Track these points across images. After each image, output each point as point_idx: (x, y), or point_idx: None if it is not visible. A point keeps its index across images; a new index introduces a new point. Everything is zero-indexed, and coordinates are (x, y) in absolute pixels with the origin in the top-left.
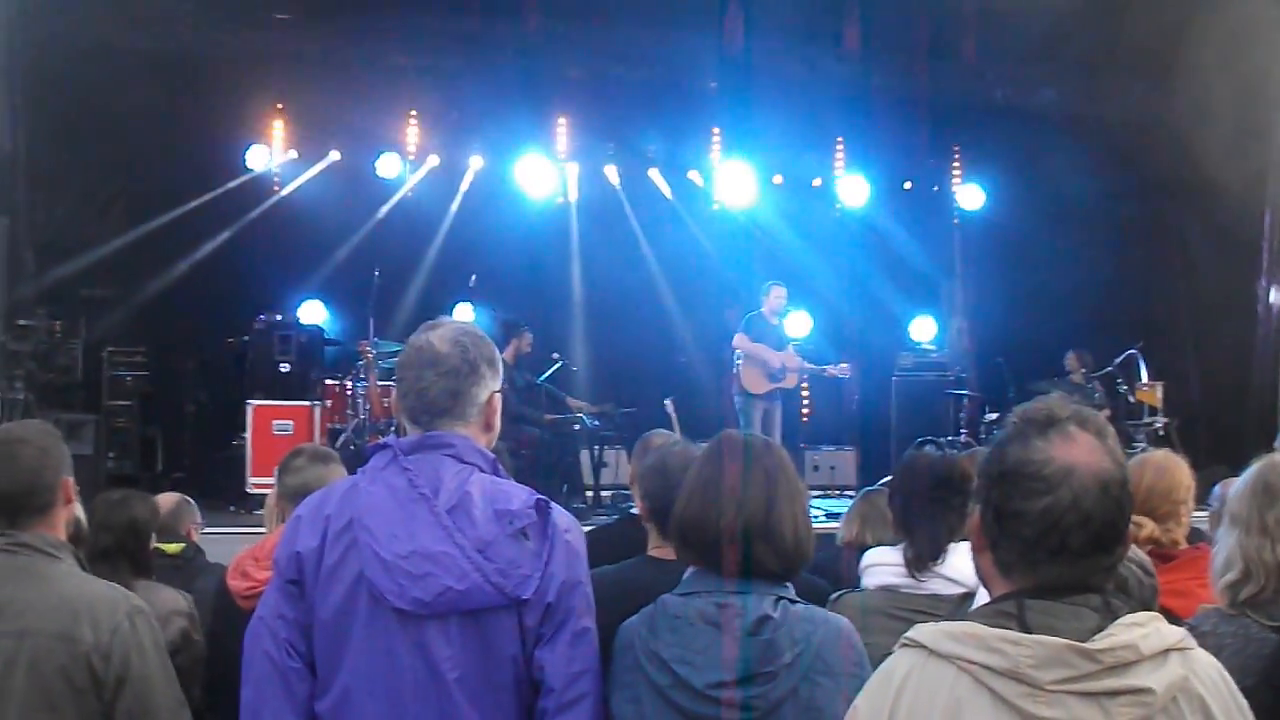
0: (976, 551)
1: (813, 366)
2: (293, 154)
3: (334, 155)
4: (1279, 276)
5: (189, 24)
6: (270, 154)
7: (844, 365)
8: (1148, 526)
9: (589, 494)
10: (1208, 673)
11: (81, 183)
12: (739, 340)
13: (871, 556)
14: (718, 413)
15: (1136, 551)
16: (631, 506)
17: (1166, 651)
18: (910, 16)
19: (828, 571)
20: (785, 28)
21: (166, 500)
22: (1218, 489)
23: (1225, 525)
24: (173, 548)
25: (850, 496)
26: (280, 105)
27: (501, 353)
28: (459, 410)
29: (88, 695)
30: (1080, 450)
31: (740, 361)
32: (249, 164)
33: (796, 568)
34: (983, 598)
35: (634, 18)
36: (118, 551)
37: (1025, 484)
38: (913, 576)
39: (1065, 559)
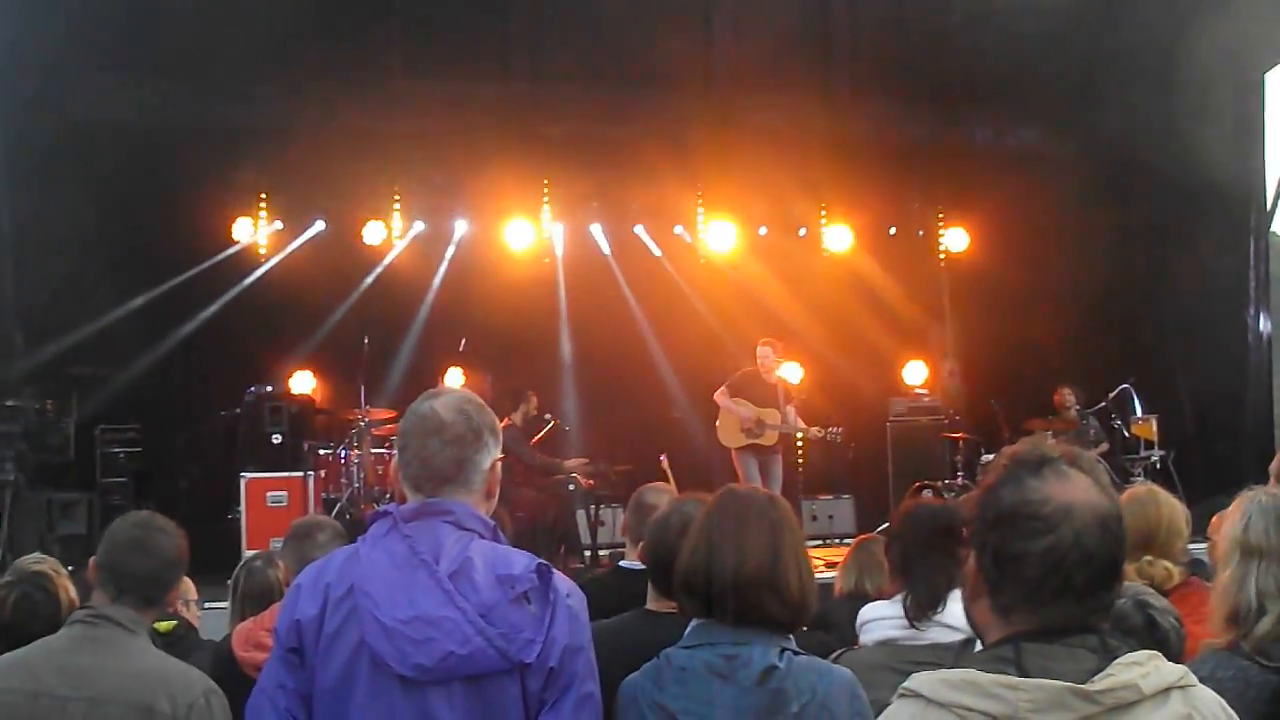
0: (971, 599)
1: (803, 427)
2: (278, 225)
3: (319, 225)
4: (1266, 305)
5: (173, 98)
6: (256, 226)
7: (831, 430)
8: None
9: (587, 553)
10: (1211, 710)
11: (68, 260)
12: (717, 394)
13: (868, 612)
14: (713, 467)
15: (1168, 604)
16: (623, 561)
17: (1168, 690)
18: (889, 63)
19: (825, 622)
20: (764, 79)
21: None
22: (1215, 519)
23: (1238, 559)
24: (164, 625)
25: (849, 544)
26: (264, 177)
27: (510, 416)
28: (463, 478)
29: None
30: (1076, 489)
31: (719, 416)
32: (235, 237)
33: (801, 618)
34: None
35: (615, 76)
36: None
37: (1025, 525)
38: (912, 627)
39: (1070, 598)
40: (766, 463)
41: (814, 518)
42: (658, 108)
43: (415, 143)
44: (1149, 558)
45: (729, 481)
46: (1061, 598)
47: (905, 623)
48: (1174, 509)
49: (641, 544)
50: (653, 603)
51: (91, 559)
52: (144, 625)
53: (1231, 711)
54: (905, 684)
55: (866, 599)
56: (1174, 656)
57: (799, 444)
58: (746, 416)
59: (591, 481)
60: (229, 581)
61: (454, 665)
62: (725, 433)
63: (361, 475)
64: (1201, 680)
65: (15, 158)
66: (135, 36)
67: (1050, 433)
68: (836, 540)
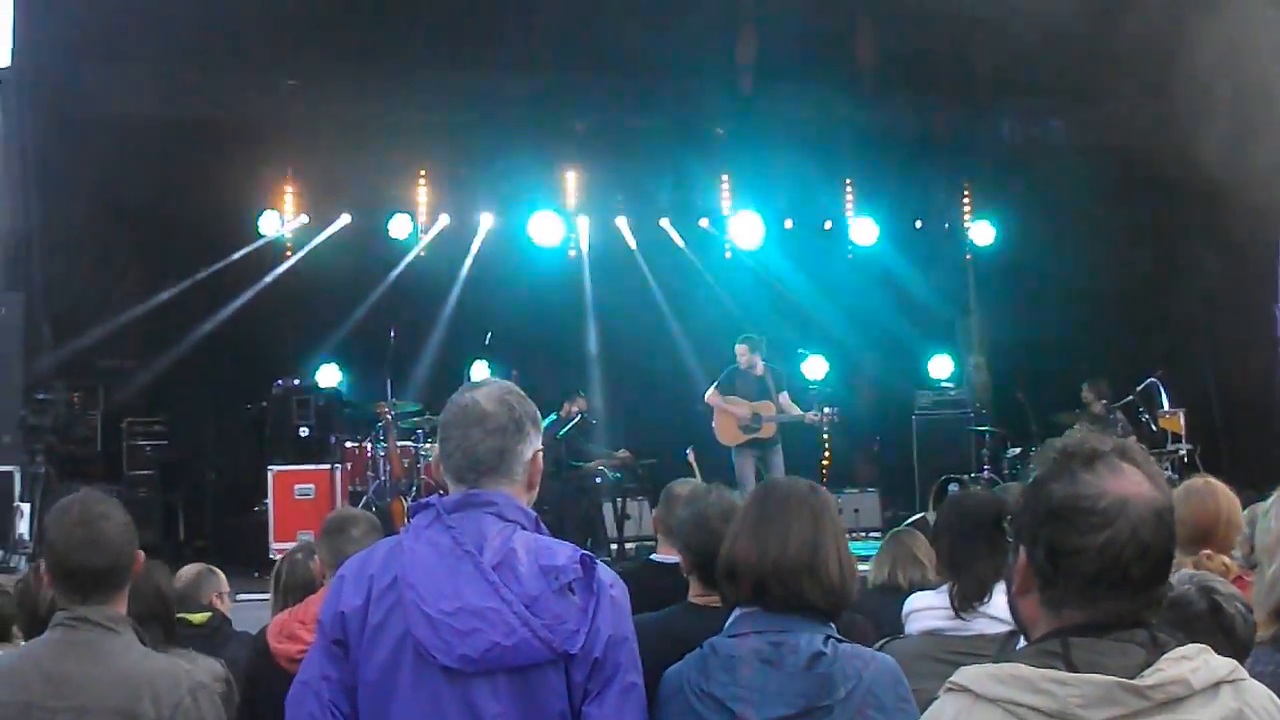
0: (1020, 594)
1: (799, 414)
2: (304, 218)
3: (345, 218)
4: None
5: (199, 92)
6: (282, 219)
7: (827, 411)
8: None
9: (613, 546)
10: (1262, 704)
11: (96, 254)
12: (708, 397)
13: (914, 602)
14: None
15: (1235, 590)
16: (654, 554)
17: (1218, 684)
18: (915, 55)
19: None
20: (791, 71)
21: (190, 570)
22: (1246, 513)
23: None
24: (198, 617)
25: (876, 539)
26: (290, 170)
27: (559, 411)
28: (505, 468)
29: None
30: (1130, 482)
31: (714, 417)
32: (261, 230)
33: (842, 605)
34: None
35: (641, 67)
36: (151, 619)
37: (1081, 520)
38: (959, 617)
39: (1125, 592)
40: (767, 455)
41: (840, 511)
42: (684, 100)
43: (441, 135)
44: (1208, 552)
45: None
46: (1117, 592)
47: (951, 613)
48: (1232, 502)
49: (671, 537)
50: (696, 596)
51: (38, 563)
52: (125, 620)
53: None
54: (952, 678)
55: (899, 591)
56: (1241, 643)
57: (825, 436)
58: (742, 413)
59: (618, 475)
60: (270, 575)
61: (499, 656)
62: (723, 432)
63: (388, 468)
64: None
65: (45, 151)
66: (160, 27)
67: (1076, 426)
68: (863, 534)
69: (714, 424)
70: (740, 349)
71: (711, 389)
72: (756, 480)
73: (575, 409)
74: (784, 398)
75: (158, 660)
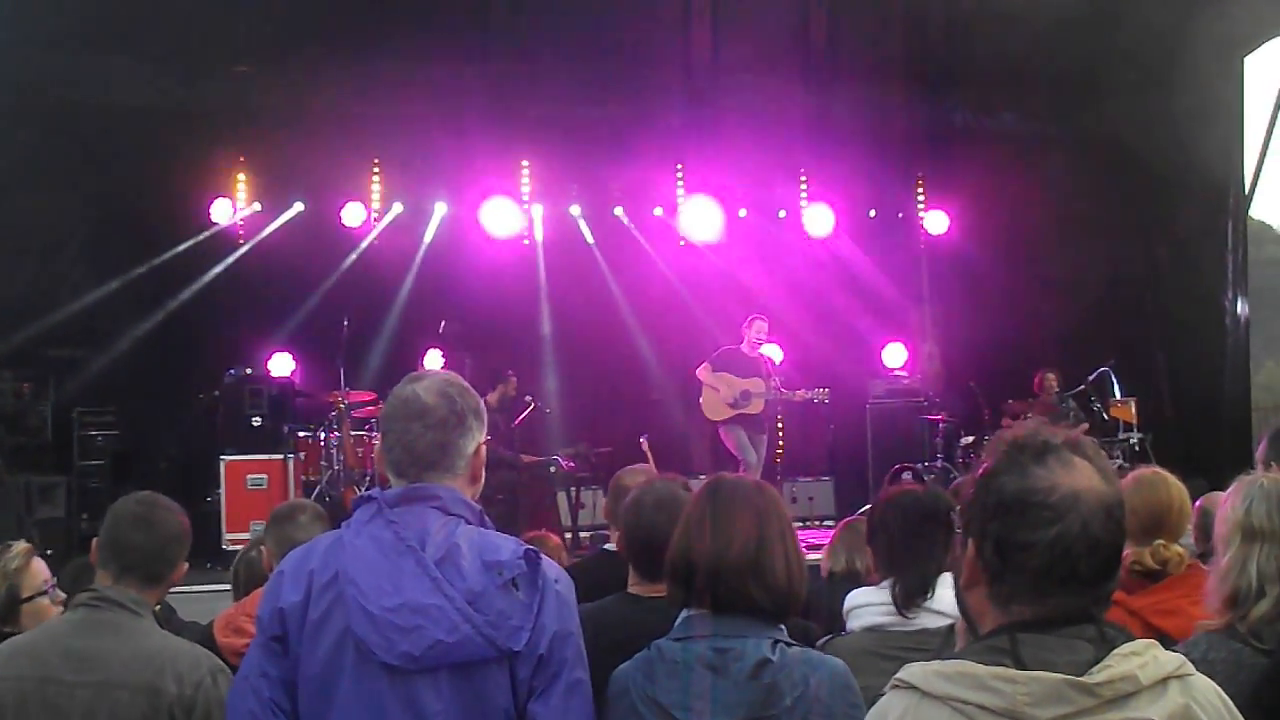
0: (967, 587)
1: (787, 393)
2: (256, 206)
3: (298, 206)
4: (1244, 288)
5: (148, 79)
6: (234, 207)
7: (819, 391)
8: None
9: (568, 535)
10: (1209, 699)
11: (45, 242)
12: (699, 370)
13: (855, 598)
14: (694, 448)
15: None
16: (607, 543)
17: (1166, 680)
18: (868, 45)
19: (815, 604)
20: (744, 60)
21: None
22: (1199, 503)
23: (1239, 542)
24: None
25: (829, 526)
26: (242, 158)
27: (486, 397)
28: (447, 462)
29: None
30: (1081, 476)
31: (702, 391)
32: (213, 218)
33: (790, 607)
34: None
35: (595, 56)
36: None
37: (1032, 514)
38: (900, 615)
39: (1075, 587)
40: (753, 437)
41: (794, 499)
42: (638, 89)
43: (394, 124)
44: (1161, 541)
45: (709, 462)
46: (1066, 587)
47: (893, 609)
48: (1182, 491)
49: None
50: (634, 586)
51: (94, 539)
52: (147, 606)
53: (1228, 700)
54: (898, 675)
55: (858, 579)
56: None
57: (779, 425)
58: (730, 389)
59: (572, 464)
60: (226, 569)
61: (441, 653)
62: (710, 407)
63: (341, 457)
64: (1194, 662)
65: None
66: (109, 14)
67: (1029, 415)
68: (816, 522)
69: (701, 399)
70: (763, 325)
71: (704, 365)
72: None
73: (509, 391)
74: (775, 382)
75: (178, 642)
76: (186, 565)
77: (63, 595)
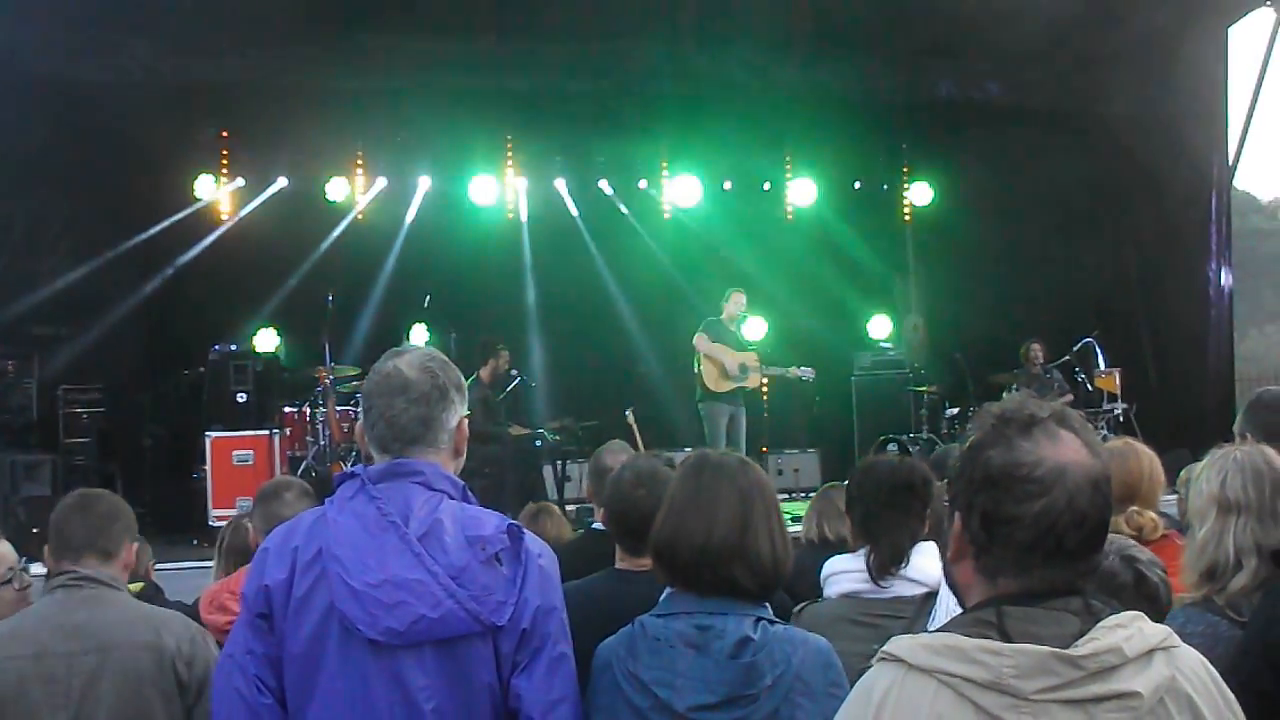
0: (954, 560)
1: (776, 369)
2: (240, 182)
3: (282, 182)
4: (1228, 259)
5: (132, 54)
6: (218, 183)
7: (807, 369)
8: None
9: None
10: (1194, 670)
11: (29, 220)
12: (698, 341)
13: (832, 565)
14: (679, 421)
15: (1153, 556)
16: (594, 521)
17: (1151, 652)
18: (853, 17)
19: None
20: (729, 32)
21: None
22: (1182, 474)
23: (1215, 515)
24: (134, 587)
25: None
26: (225, 133)
27: (478, 371)
28: (430, 437)
29: (173, 701)
30: (1068, 449)
31: (700, 362)
32: (197, 194)
33: (774, 586)
34: (944, 595)
35: (579, 29)
36: None
37: (1018, 487)
38: (875, 582)
39: (1060, 561)
40: (736, 414)
41: (780, 471)
42: (622, 62)
43: (378, 99)
44: (1135, 508)
45: (694, 435)
46: (1052, 560)
47: (868, 576)
48: (1153, 460)
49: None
50: (621, 561)
51: (45, 547)
52: (121, 581)
53: (1214, 671)
54: (885, 647)
55: (828, 545)
56: (1163, 609)
57: (764, 397)
58: (730, 361)
59: (557, 438)
60: (211, 543)
61: (425, 629)
62: (712, 378)
63: (327, 433)
64: None
65: None
66: None
67: (1014, 386)
68: (802, 494)
69: (700, 371)
70: (738, 298)
71: (701, 334)
72: (726, 438)
73: (500, 365)
74: (753, 354)
75: (158, 608)
76: (136, 546)
77: (30, 579)
